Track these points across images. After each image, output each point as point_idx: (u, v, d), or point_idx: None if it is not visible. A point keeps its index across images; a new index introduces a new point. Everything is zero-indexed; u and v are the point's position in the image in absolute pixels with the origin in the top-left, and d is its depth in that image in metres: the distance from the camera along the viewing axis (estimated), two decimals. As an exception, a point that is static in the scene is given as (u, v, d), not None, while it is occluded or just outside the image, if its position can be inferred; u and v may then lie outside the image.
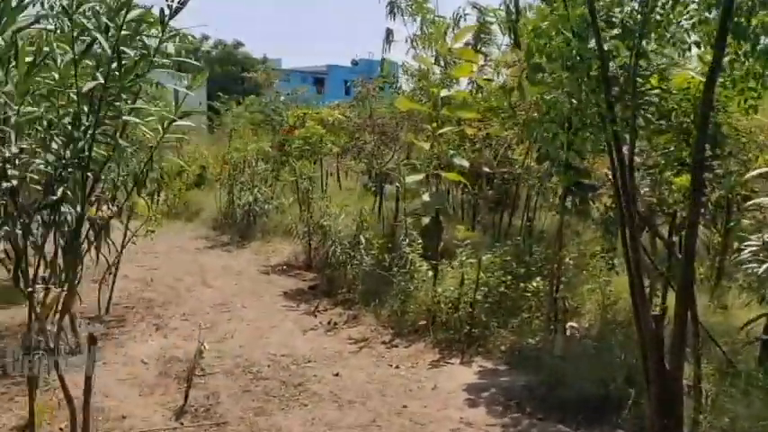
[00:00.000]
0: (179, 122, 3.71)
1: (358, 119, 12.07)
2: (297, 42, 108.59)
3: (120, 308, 7.51)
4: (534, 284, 6.71)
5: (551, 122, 5.35)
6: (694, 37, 4.46)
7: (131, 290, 8.22)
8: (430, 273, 7.03)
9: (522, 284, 6.82)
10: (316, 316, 7.45)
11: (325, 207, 8.73)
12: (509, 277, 6.84)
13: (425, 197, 7.79)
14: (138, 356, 6.02)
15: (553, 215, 9.26)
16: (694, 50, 4.66)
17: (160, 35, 3.20)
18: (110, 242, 6.97)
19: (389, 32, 9.37)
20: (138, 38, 3.28)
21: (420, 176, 8.04)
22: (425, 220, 7.91)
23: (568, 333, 6.35)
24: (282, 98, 18.88)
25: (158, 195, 15.17)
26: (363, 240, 7.71)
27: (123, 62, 3.13)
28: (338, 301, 7.88)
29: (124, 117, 3.47)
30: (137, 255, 10.06)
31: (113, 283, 7.30)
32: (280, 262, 9.93)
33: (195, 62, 4.48)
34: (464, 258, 6.64)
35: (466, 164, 8.40)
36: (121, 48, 3.14)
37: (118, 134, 3.74)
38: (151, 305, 7.63)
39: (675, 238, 5.98)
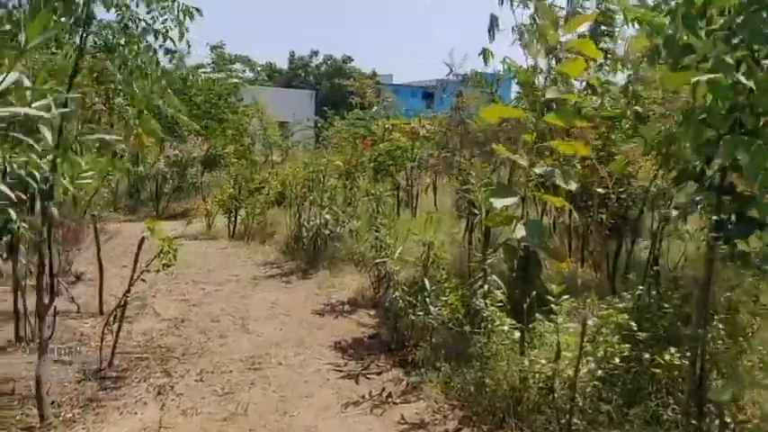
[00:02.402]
0: None
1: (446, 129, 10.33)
2: (413, 59, 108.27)
3: (131, 358, 6.09)
4: (667, 357, 4.65)
5: (706, 124, 3.40)
6: None
7: (155, 333, 6.82)
8: (516, 333, 5.11)
9: (647, 356, 4.78)
10: (365, 380, 5.70)
11: (385, 236, 6.97)
12: (627, 345, 4.80)
13: (520, 230, 5.86)
14: (112, 440, 4.51)
15: (691, 247, 7.09)
16: None
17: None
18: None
19: (494, 20, 7.48)
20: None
21: (512, 199, 6.11)
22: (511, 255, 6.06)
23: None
24: (374, 109, 17.61)
25: (236, 214, 14.14)
26: (428, 285, 5.85)
27: None
28: (399, 361, 6.10)
29: None
30: (185, 285, 8.81)
31: (119, 330, 5.88)
32: (342, 299, 8.26)
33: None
34: (561, 320, 4.62)
35: (573, 186, 6.42)
36: None
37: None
38: (167, 356, 6.16)
39: None
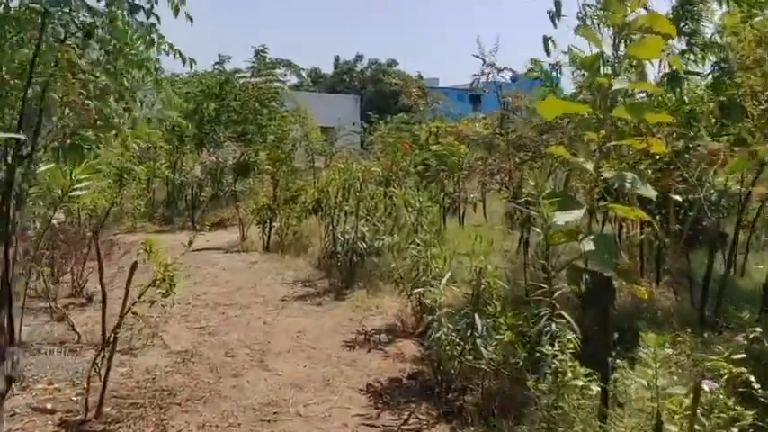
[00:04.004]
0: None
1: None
2: (459, 63, 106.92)
3: (125, 404, 5.10)
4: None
5: None
6: None
7: (159, 370, 5.84)
8: (593, 388, 3.94)
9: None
10: (402, 441, 4.61)
11: (426, 255, 5.86)
12: (750, 411, 3.58)
13: (588, 245, 4.69)
14: None
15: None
16: None
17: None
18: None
19: (558, 4, 6.33)
20: None
21: (578, 212, 4.94)
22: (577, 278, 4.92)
23: None
24: (421, 109, 16.69)
25: (270, 224, 13.22)
26: (479, 323, 4.71)
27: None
28: (444, 412, 4.97)
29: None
30: (203, 308, 7.88)
31: (107, 373, 4.89)
32: (379, 326, 7.18)
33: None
34: (653, 372, 3.42)
35: (653, 193, 5.22)
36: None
37: None
38: (168, 403, 5.14)
39: None
